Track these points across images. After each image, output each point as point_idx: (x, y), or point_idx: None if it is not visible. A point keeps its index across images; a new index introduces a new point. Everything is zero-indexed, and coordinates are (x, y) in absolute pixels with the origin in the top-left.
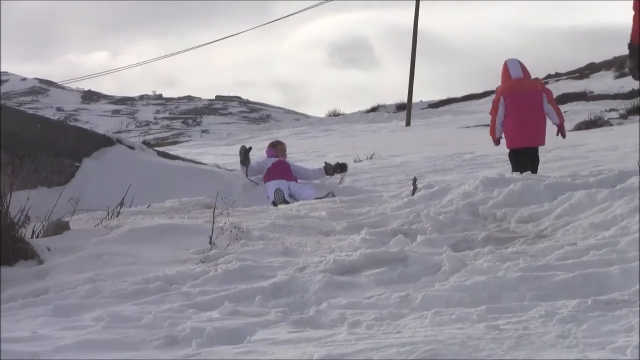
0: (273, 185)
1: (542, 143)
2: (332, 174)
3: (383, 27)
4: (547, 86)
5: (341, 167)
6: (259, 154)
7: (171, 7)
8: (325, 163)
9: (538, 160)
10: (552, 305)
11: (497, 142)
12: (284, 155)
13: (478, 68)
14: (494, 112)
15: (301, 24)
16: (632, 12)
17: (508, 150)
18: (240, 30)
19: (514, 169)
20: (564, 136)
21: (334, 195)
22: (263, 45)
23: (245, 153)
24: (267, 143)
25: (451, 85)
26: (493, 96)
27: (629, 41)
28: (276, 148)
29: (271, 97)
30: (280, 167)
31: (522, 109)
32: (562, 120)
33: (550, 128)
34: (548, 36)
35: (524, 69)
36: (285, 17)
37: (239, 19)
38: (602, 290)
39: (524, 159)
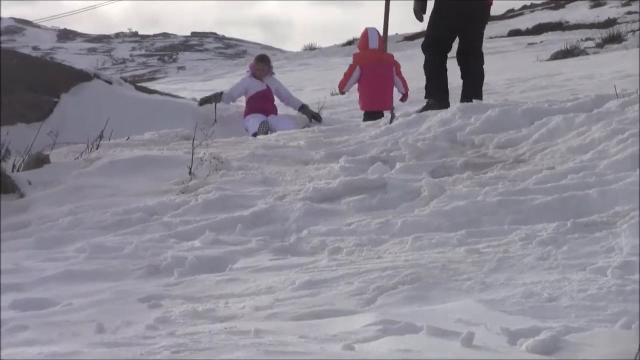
0: (255, 118)
1: (391, 107)
2: (304, 113)
3: None
4: (522, 17)
5: (315, 117)
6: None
7: None
8: (304, 105)
9: None
10: (532, 228)
11: (342, 93)
12: (264, 74)
13: None
14: (348, 73)
15: None
16: None
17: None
18: None
19: None
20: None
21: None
22: None
23: (207, 100)
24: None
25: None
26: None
27: None
28: (257, 65)
29: (253, 36)
30: (262, 99)
31: (375, 78)
32: (406, 90)
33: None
34: None
35: (380, 39)
36: None
37: None
38: (581, 213)
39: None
